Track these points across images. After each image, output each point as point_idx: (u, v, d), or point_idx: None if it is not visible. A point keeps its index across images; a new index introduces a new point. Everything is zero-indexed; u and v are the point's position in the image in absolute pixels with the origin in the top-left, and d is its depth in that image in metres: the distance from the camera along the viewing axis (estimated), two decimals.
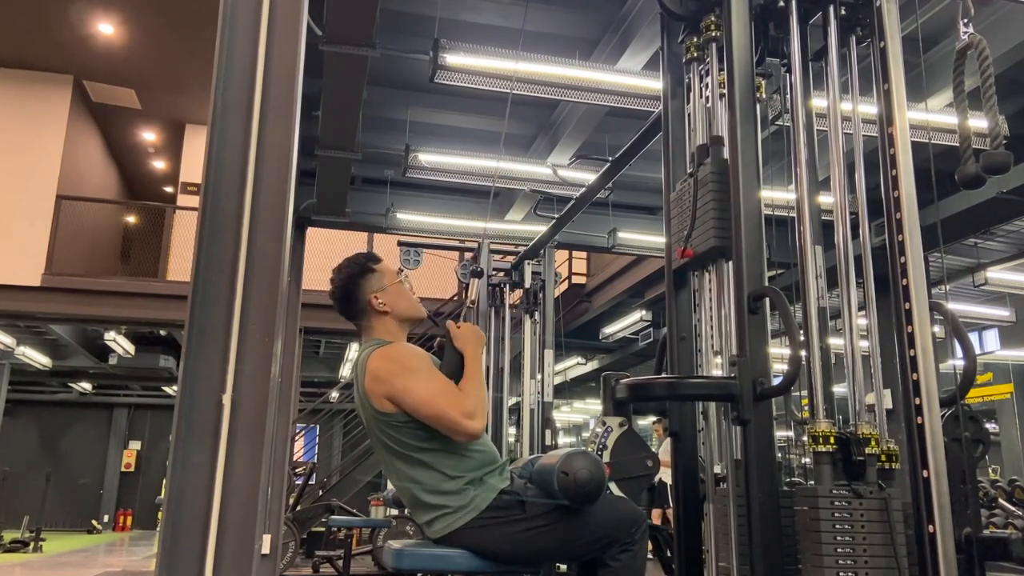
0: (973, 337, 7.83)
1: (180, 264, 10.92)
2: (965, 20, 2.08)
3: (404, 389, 2.15)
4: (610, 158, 4.39)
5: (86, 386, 16.51)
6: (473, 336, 2.30)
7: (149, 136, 12.85)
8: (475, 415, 2.12)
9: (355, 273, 2.36)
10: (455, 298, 10.52)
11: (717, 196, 2.18)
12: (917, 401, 1.86)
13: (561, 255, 11.50)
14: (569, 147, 5.99)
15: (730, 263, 2.18)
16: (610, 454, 2.27)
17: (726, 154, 2.21)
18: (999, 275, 7.99)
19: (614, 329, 11.77)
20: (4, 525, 11.67)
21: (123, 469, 17.56)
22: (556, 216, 5.29)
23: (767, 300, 2.05)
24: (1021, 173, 5.33)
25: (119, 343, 12.60)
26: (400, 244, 6.65)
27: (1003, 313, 9.28)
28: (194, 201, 10.43)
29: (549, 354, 5.78)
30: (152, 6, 9.27)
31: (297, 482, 8.50)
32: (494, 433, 5.66)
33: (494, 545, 2.11)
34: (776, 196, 2.77)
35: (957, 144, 2.02)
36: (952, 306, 2.23)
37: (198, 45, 9.40)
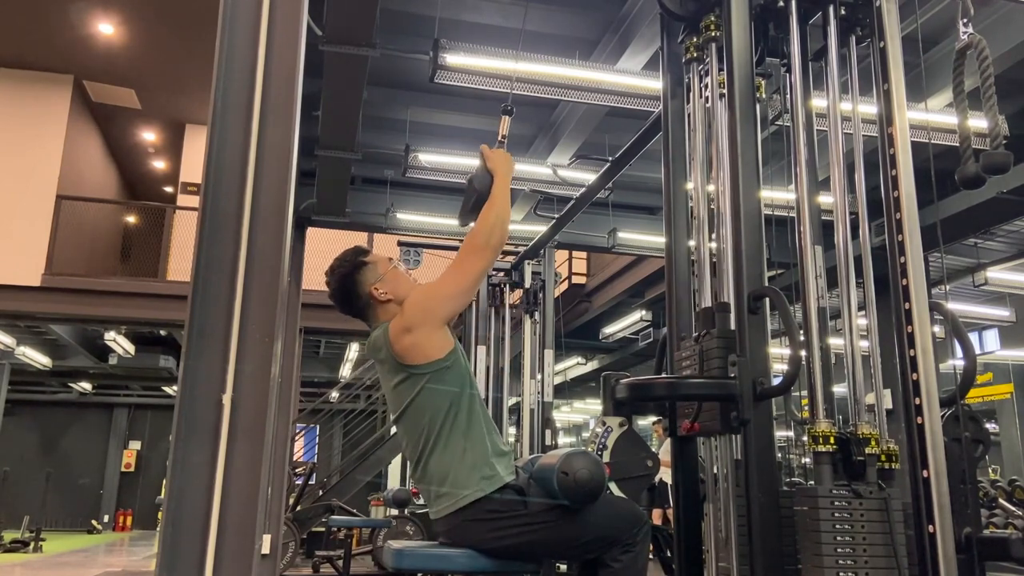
0: (973, 337, 7.82)
1: (180, 264, 10.92)
2: (965, 20, 2.08)
3: (432, 294, 2.26)
4: (610, 158, 4.39)
5: (86, 386, 16.51)
6: (505, 161, 2.41)
7: (149, 136, 12.85)
8: (491, 234, 2.27)
9: (349, 271, 2.36)
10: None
11: (720, 364, 2.10)
12: (917, 401, 1.86)
13: (561, 255, 11.50)
14: (569, 147, 5.99)
15: (731, 266, 2.17)
16: (610, 454, 2.28)
17: (732, 323, 2.12)
18: (999, 275, 8.00)
19: (614, 329, 11.78)
20: (4, 525, 11.67)
21: (123, 469, 17.57)
22: (556, 216, 5.29)
23: (767, 300, 2.05)
24: (1021, 173, 5.33)
25: (119, 343, 12.60)
26: (400, 244, 6.65)
27: (1003, 313, 9.28)
28: (194, 201, 10.43)
29: (549, 354, 5.78)
30: (152, 6, 9.27)
31: (297, 482, 8.50)
32: None
33: (495, 542, 2.11)
34: (776, 196, 2.77)
35: (957, 144, 2.02)
36: (952, 306, 2.23)
37: (198, 45, 9.40)
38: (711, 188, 2.40)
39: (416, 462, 2.27)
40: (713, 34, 2.37)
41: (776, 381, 1.99)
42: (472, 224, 2.38)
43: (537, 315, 5.92)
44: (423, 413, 2.22)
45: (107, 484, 17.33)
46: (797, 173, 2.25)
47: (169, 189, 13.97)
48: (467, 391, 2.24)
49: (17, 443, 15.97)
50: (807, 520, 1.92)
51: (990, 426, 11.35)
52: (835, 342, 2.14)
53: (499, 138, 2.57)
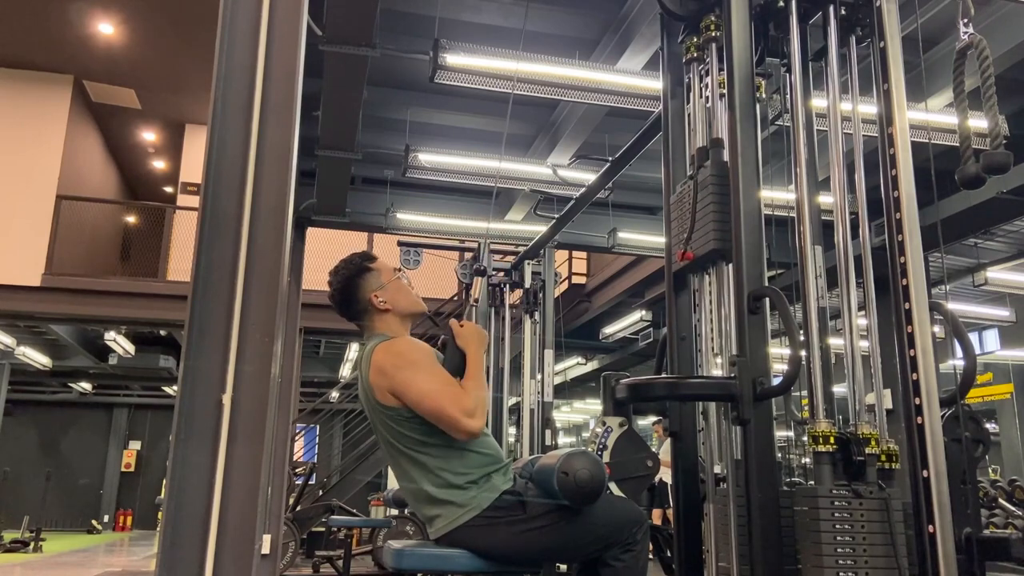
0: (973, 337, 7.83)
1: (180, 264, 10.92)
2: (965, 20, 2.08)
3: (405, 383, 2.15)
4: (610, 158, 4.39)
5: (86, 386, 16.51)
6: (475, 335, 2.31)
7: (149, 136, 12.85)
8: (475, 414, 2.12)
9: (352, 274, 2.36)
10: (455, 298, 10.52)
11: (717, 199, 2.18)
12: (917, 401, 1.86)
13: (561, 255, 11.50)
14: (569, 147, 5.99)
15: (730, 264, 2.18)
16: (610, 454, 2.28)
17: (726, 156, 2.21)
18: (999, 275, 7.99)
19: (614, 329, 11.77)
20: (4, 525, 11.67)
21: (123, 469, 17.57)
22: (556, 216, 5.29)
23: (767, 300, 2.05)
24: (1021, 173, 5.32)
25: (119, 343, 12.60)
26: (400, 244, 6.65)
27: (1003, 313, 9.28)
28: (194, 201, 10.43)
29: (549, 354, 5.78)
30: (152, 6, 9.27)
31: (297, 482, 8.50)
32: (494, 433, 5.65)
33: (495, 545, 2.11)
34: (776, 196, 2.77)
35: (957, 144, 2.02)
36: (952, 306, 2.23)
37: (198, 45, 9.40)
38: None
39: (407, 486, 2.25)
40: (713, 34, 2.37)
41: (776, 381, 1.99)
42: None
43: (537, 315, 5.92)
44: (394, 445, 2.21)
45: (107, 484, 17.33)
46: (797, 173, 2.25)
47: (169, 189, 13.97)
48: None
49: (17, 443, 15.97)
50: (807, 520, 1.92)
51: (990, 426, 11.35)
52: (835, 342, 2.14)
53: (471, 301, 2.54)
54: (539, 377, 5.75)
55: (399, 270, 2.45)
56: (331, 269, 2.41)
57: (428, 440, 2.16)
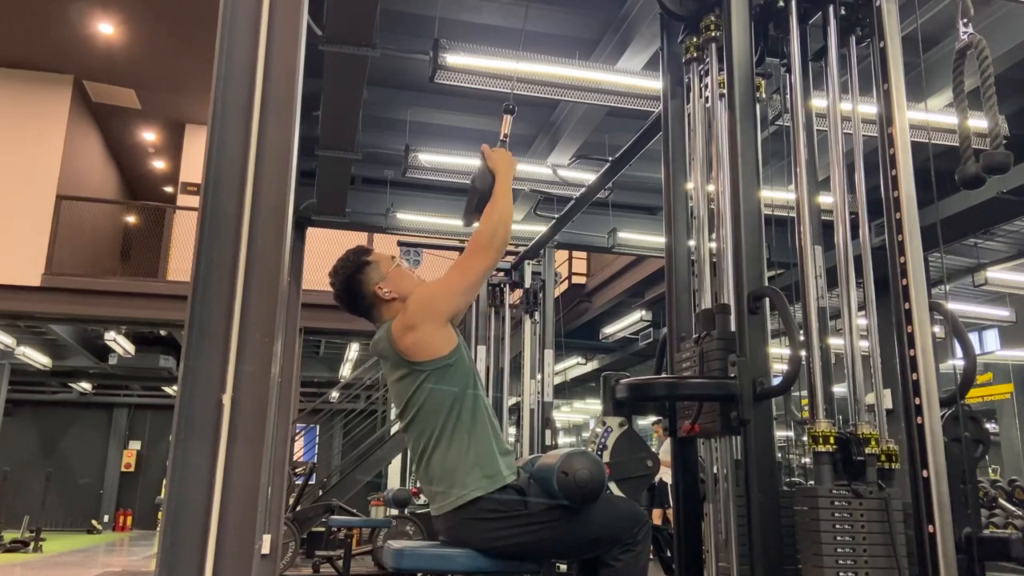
0: (973, 337, 7.83)
1: (180, 264, 10.92)
2: (965, 20, 2.08)
3: (435, 294, 2.28)
4: (610, 158, 4.39)
5: (86, 386, 16.51)
6: (506, 160, 2.42)
7: (149, 136, 12.85)
8: (494, 233, 2.28)
9: (353, 271, 2.37)
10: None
11: (720, 366, 2.10)
12: (917, 401, 1.86)
13: (561, 255, 11.50)
14: (569, 147, 5.99)
15: (731, 265, 2.17)
16: (610, 454, 2.27)
17: (733, 325, 2.12)
18: (999, 275, 8.00)
19: (614, 329, 11.78)
20: (4, 525, 11.66)
21: (123, 469, 17.57)
22: (556, 216, 5.29)
23: (767, 300, 2.05)
24: (1021, 173, 5.33)
25: (119, 343, 12.60)
26: (400, 244, 6.65)
27: (1003, 313, 9.29)
28: (194, 201, 10.43)
29: (549, 354, 5.78)
30: (152, 6, 9.27)
31: (297, 482, 8.50)
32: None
33: (495, 542, 2.11)
34: (776, 196, 2.77)
35: (957, 144, 2.02)
36: (952, 306, 2.23)
37: (198, 45, 9.40)
38: (711, 188, 2.40)
39: (419, 459, 2.27)
40: (713, 34, 2.37)
41: (776, 381, 1.99)
42: (476, 224, 2.38)
43: (537, 315, 5.92)
44: (426, 410, 2.23)
45: (107, 484, 17.34)
46: (797, 173, 2.25)
47: (169, 189, 13.97)
48: (471, 389, 2.24)
49: (17, 443, 15.97)
50: (807, 520, 1.92)
51: (990, 426, 11.34)
52: (835, 342, 2.14)
53: (501, 137, 2.57)
54: (539, 377, 5.75)
55: (395, 257, 2.46)
56: (330, 270, 2.41)
57: (459, 404, 2.20)
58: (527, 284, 5.93)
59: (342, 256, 2.42)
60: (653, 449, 2.37)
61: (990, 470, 10.77)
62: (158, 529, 2.58)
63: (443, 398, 2.21)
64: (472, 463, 2.16)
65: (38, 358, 13.06)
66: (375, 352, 2.37)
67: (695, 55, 2.47)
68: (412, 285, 2.38)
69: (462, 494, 2.13)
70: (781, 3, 2.29)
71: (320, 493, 9.42)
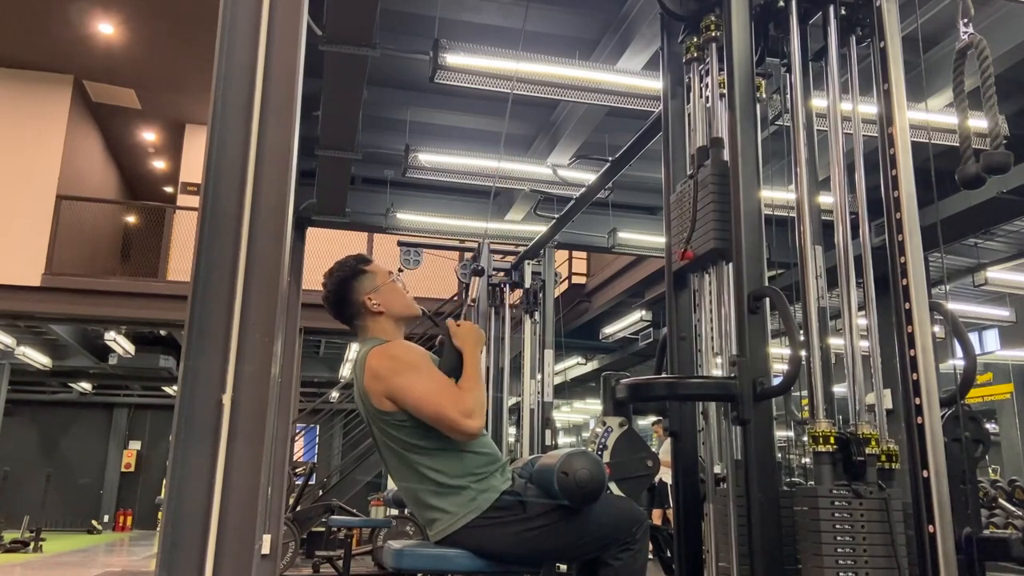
0: (973, 337, 7.82)
1: (180, 264, 10.92)
2: (965, 20, 2.08)
3: (403, 387, 2.14)
4: (610, 158, 4.39)
5: (86, 386, 16.51)
6: (472, 335, 2.31)
7: (149, 136, 12.85)
8: (473, 414, 2.11)
9: (347, 276, 2.36)
10: (455, 298, 10.53)
11: (717, 198, 2.17)
12: (917, 401, 1.86)
13: (561, 255, 11.50)
14: (569, 147, 5.99)
15: (730, 264, 2.18)
16: (610, 454, 2.28)
17: (726, 156, 2.20)
18: (999, 275, 7.99)
19: (614, 329, 11.77)
20: (4, 525, 11.66)
21: (123, 469, 17.57)
22: (556, 216, 5.29)
23: (767, 300, 2.05)
24: (1021, 173, 5.32)
25: (119, 343, 12.60)
26: (400, 244, 6.65)
27: (1003, 313, 9.28)
28: (194, 201, 10.43)
29: (549, 354, 5.78)
30: (152, 6, 9.27)
31: (297, 482, 8.50)
32: (494, 433, 5.66)
33: (495, 545, 2.11)
34: (776, 196, 2.77)
35: (957, 144, 2.02)
36: (952, 306, 2.23)
37: (198, 45, 9.40)
38: None
39: (404, 490, 2.25)
40: (713, 34, 2.37)
41: (776, 381, 1.99)
42: None
43: (537, 315, 5.92)
44: (392, 448, 2.21)
45: (107, 484, 17.33)
46: (797, 173, 2.25)
47: (169, 189, 13.97)
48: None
49: (17, 443, 15.96)
50: (807, 520, 1.92)
51: (990, 426, 11.34)
52: (835, 342, 2.14)
53: (468, 302, 2.54)
54: (539, 377, 5.75)
55: (392, 273, 2.44)
56: (326, 271, 2.41)
57: (425, 444, 2.16)
58: (527, 284, 5.92)
59: (340, 260, 2.41)
60: (653, 449, 2.37)
61: (990, 470, 10.77)
62: (158, 529, 2.58)
63: (408, 438, 2.17)
64: (456, 489, 2.13)
65: (38, 358, 13.06)
66: (351, 373, 2.35)
67: (695, 55, 2.47)
68: (403, 305, 2.36)
69: (454, 520, 2.11)
70: (781, 3, 2.28)
71: (320, 493, 9.42)
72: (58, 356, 13.60)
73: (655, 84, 4.51)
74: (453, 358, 2.27)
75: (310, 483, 8.81)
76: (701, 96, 2.48)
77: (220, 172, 1.87)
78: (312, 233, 7.08)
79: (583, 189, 4.91)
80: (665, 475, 3.53)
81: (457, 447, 2.16)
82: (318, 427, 15.90)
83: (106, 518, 16.69)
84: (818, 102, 2.32)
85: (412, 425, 2.15)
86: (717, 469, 2.26)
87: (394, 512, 7.51)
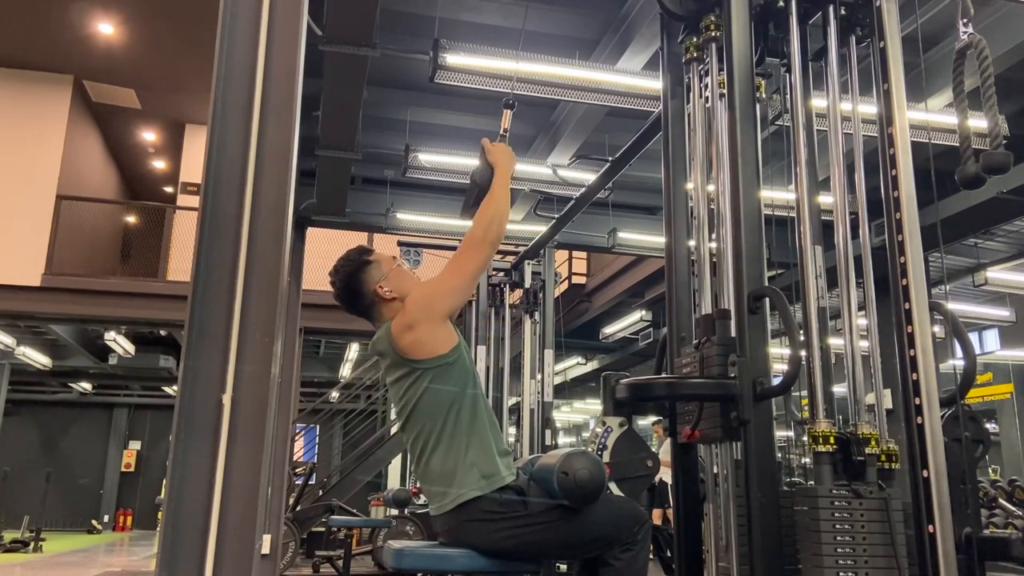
0: (973, 337, 7.82)
1: (180, 264, 10.92)
2: (965, 20, 2.08)
3: (439, 292, 2.27)
4: (610, 158, 4.39)
5: (86, 386, 16.51)
6: (506, 154, 2.42)
7: (149, 136, 12.85)
8: (489, 227, 2.27)
9: (354, 270, 2.37)
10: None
11: (721, 372, 2.09)
12: (917, 401, 1.86)
13: (561, 255, 11.50)
14: (569, 147, 5.99)
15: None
16: (610, 454, 2.27)
17: (733, 330, 2.11)
18: (999, 275, 7.99)
19: (614, 329, 11.77)
20: (4, 525, 11.67)
21: (123, 469, 17.57)
22: (556, 216, 5.29)
23: (767, 300, 2.05)
24: (1021, 173, 5.32)
25: (119, 343, 12.60)
26: (400, 244, 6.65)
27: (1003, 313, 9.28)
28: (194, 201, 10.43)
29: (549, 354, 5.78)
30: (152, 6, 9.27)
31: (297, 482, 8.50)
32: None
33: (495, 542, 2.11)
34: (776, 196, 2.77)
35: (957, 144, 2.02)
36: (952, 306, 2.23)
37: (198, 45, 9.39)
38: (711, 188, 2.40)
39: (418, 458, 2.27)
40: (713, 34, 2.37)
41: (776, 381, 1.99)
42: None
43: (537, 315, 5.92)
44: (426, 409, 2.23)
45: (107, 484, 17.33)
46: (797, 173, 2.25)
47: (169, 189, 13.97)
48: (470, 389, 2.24)
49: (17, 443, 15.97)
50: (807, 520, 1.92)
51: (990, 426, 11.34)
52: (835, 342, 2.14)
53: (500, 132, 2.57)
54: (539, 377, 5.75)
55: (396, 258, 2.46)
56: (331, 269, 2.41)
57: (458, 403, 2.20)
58: (527, 284, 5.93)
59: (343, 255, 2.42)
60: (653, 449, 2.37)
61: (990, 470, 10.77)
62: (158, 529, 2.58)
63: (442, 397, 2.20)
64: (471, 463, 2.15)
65: (38, 358, 13.06)
66: (374, 351, 2.37)
67: (695, 55, 2.47)
68: (412, 285, 2.39)
69: (460, 494, 2.13)
70: (781, 3, 2.28)
71: (320, 493, 9.42)
72: (58, 356, 13.60)
73: (655, 84, 4.51)
74: (486, 174, 2.40)
75: (310, 483, 8.82)
76: (701, 96, 2.48)
77: (220, 172, 1.87)
78: (312, 233, 7.08)
79: (583, 189, 4.92)
80: (665, 475, 3.54)
81: (480, 427, 2.20)
82: (318, 427, 15.90)
83: (106, 518, 16.69)
84: (818, 102, 2.32)
85: (458, 367, 2.23)
86: (717, 469, 2.26)
87: (394, 512, 7.51)
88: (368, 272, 2.36)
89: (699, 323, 2.28)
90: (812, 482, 2.00)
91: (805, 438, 2.08)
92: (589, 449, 2.23)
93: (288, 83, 1.96)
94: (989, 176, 1.93)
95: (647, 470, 2.33)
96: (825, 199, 2.24)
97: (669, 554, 2.55)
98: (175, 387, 5.14)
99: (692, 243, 2.48)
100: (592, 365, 13.70)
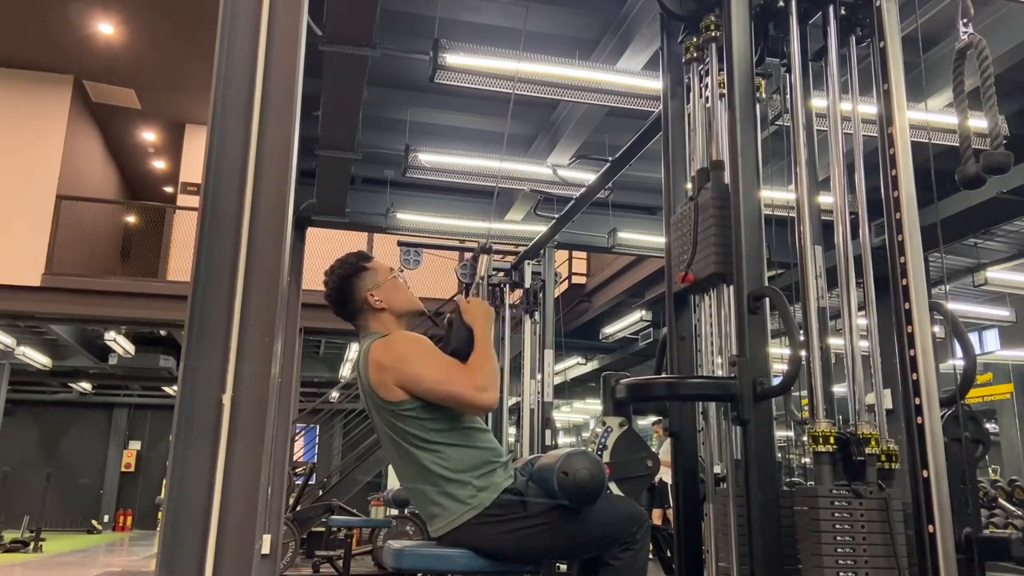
0: (973, 337, 7.83)
1: (180, 264, 10.92)
2: (965, 20, 2.08)
3: (414, 375, 2.16)
4: (610, 158, 4.39)
5: (86, 386, 16.51)
6: (482, 311, 2.33)
7: (149, 136, 12.85)
8: (487, 387, 2.15)
9: (349, 273, 2.37)
10: (455, 298, 10.53)
11: (718, 221, 2.15)
12: (917, 401, 1.86)
13: (561, 255, 11.50)
14: (569, 147, 5.99)
15: (730, 285, 2.16)
16: (610, 454, 2.27)
17: (727, 178, 2.17)
18: (999, 275, 7.99)
19: (614, 329, 11.77)
20: (4, 525, 11.67)
21: (123, 469, 17.57)
22: (556, 216, 5.29)
23: (767, 300, 2.05)
24: (1021, 173, 5.32)
25: (119, 343, 12.60)
26: (400, 244, 6.65)
27: (1003, 313, 9.28)
28: (194, 201, 10.43)
29: (549, 354, 5.78)
30: (152, 6, 9.27)
31: (297, 482, 8.50)
32: (494, 433, 5.65)
33: (495, 543, 2.11)
34: (776, 196, 2.77)
35: (957, 144, 2.02)
36: (952, 306, 2.23)
37: (198, 45, 9.40)
38: None
39: (407, 486, 2.27)
40: (713, 34, 2.37)
41: (776, 381, 1.99)
42: None
43: (537, 315, 5.92)
44: (397, 442, 2.22)
45: (107, 484, 17.33)
46: (797, 173, 2.25)
47: (169, 189, 13.98)
48: (444, 415, 2.19)
49: (17, 443, 15.97)
50: (807, 520, 1.92)
51: (990, 426, 11.34)
52: (835, 342, 2.14)
53: (478, 278, 2.54)
54: (539, 377, 5.75)
55: (395, 269, 2.45)
56: (327, 269, 2.41)
57: (429, 438, 2.17)
58: (527, 284, 5.91)
59: (342, 257, 2.42)
60: (653, 449, 2.37)
61: (990, 470, 10.77)
62: (158, 529, 2.58)
63: (413, 430, 2.18)
64: (459, 484, 2.14)
65: (38, 358, 13.06)
66: (354, 369, 2.37)
67: (695, 55, 2.47)
68: (405, 301, 2.38)
69: (456, 516, 2.12)
70: (781, 3, 2.28)
71: (320, 493, 9.42)
72: (58, 356, 13.60)
73: (655, 84, 4.51)
74: (463, 335, 2.30)
75: (310, 483, 8.82)
76: (701, 96, 2.48)
77: (220, 172, 1.87)
78: (312, 233, 7.08)
79: (583, 189, 4.91)
80: (665, 475, 3.53)
81: (463, 441, 2.18)
82: (318, 427, 15.90)
83: (106, 518, 16.69)
84: (818, 102, 2.32)
85: (419, 416, 2.16)
86: (717, 469, 2.26)
87: (394, 512, 7.52)
88: (362, 278, 2.36)
89: (694, 178, 2.33)
90: (812, 482, 2.00)
91: (805, 438, 2.08)
92: (589, 449, 2.23)
93: (288, 83, 1.96)
94: (989, 176, 1.93)
95: (647, 470, 2.33)
96: (825, 199, 2.24)
97: (669, 554, 2.55)
98: (175, 387, 5.13)
99: None
100: (592, 365, 13.69)
